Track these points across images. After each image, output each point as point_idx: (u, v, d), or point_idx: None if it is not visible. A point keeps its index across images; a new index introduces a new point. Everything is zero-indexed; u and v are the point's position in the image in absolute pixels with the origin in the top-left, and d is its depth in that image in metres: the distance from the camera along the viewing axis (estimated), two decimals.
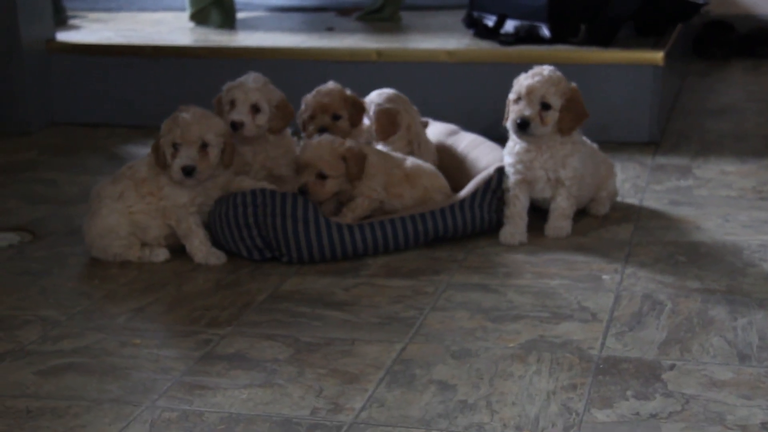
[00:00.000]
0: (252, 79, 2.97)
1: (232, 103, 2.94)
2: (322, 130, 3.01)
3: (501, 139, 3.05)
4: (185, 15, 5.10)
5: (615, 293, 2.52)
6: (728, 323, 2.33)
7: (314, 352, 2.23)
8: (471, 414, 1.95)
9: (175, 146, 2.70)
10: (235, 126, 2.90)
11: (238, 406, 2.00)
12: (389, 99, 3.17)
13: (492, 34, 4.27)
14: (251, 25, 5.04)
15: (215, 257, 2.78)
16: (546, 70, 2.87)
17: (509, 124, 2.86)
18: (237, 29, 4.91)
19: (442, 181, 2.99)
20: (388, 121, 3.12)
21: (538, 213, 2.99)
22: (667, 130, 4.16)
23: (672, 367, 2.12)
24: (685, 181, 3.45)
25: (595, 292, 2.53)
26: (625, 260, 2.74)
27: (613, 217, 3.10)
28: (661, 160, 3.74)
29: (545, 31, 4.11)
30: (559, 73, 2.88)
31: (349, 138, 2.93)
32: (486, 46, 4.19)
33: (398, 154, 3.02)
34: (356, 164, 2.82)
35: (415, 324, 2.37)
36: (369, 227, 2.79)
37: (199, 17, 4.96)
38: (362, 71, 4.13)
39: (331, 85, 3.09)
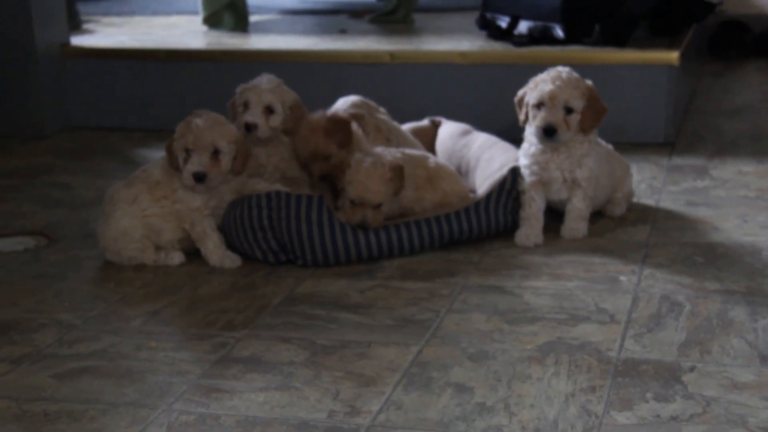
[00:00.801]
0: (266, 80, 2.96)
1: (246, 105, 2.93)
2: (323, 176, 2.87)
3: (516, 141, 3.04)
4: (198, 19, 5.10)
5: (633, 294, 2.50)
6: (748, 324, 2.31)
7: (330, 355, 2.22)
8: (489, 416, 1.94)
9: (188, 151, 2.70)
10: (249, 127, 2.90)
11: (255, 409, 1.99)
12: (354, 105, 3.13)
13: (505, 35, 4.25)
14: (264, 28, 5.04)
15: (230, 260, 2.78)
16: (564, 72, 2.84)
17: (533, 131, 2.83)
18: (250, 32, 4.90)
19: (461, 186, 2.97)
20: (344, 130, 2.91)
21: (554, 215, 2.97)
22: (683, 131, 4.13)
23: (692, 369, 2.10)
24: (702, 182, 3.43)
25: (612, 293, 2.51)
26: (642, 261, 2.72)
27: (629, 219, 3.08)
28: (677, 160, 3.71)
29: (559, 32, 4.09)
30: (575, 74, 2.86)
31: (349, 155, 2.80)
32: (499, 47, 4.17)
33: (418, 151, 3.00)
34: (400, 180, 2.80)
35: (431, 326, 2.36)
36: (384, 230, 2.78)
37: (212, 21, 4.96)
38: (375, 73, 4.13)
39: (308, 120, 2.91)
